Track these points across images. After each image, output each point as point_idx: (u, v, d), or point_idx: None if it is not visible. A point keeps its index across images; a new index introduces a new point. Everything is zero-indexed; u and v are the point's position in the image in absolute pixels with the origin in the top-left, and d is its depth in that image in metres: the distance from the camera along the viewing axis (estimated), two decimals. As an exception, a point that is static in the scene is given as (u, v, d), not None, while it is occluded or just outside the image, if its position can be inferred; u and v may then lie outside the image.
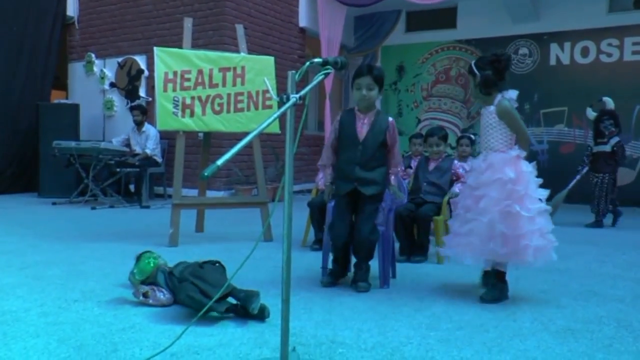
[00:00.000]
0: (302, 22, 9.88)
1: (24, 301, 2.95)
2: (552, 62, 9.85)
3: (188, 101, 4.88)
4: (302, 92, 1.94)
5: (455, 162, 4.66)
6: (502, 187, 3.03)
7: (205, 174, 1.58)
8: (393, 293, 3.28)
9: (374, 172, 3.28)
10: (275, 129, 5.30)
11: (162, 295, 2.91)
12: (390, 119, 3.35)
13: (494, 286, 3.18)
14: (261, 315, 2.65)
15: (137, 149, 8.05)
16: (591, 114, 6.92)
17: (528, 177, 3.07)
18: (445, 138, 4.65)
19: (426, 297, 3.21)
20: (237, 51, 5.36)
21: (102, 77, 9.60)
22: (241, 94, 5.12)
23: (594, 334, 2.58)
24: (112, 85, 9.57)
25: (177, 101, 4.85)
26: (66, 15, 9.83)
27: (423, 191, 4.49)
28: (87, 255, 4.20)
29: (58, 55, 9.79)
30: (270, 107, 5.22)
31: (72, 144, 7.51)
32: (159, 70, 4.83)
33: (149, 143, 7.97)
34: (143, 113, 8.07)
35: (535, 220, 3.03)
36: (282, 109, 1.88)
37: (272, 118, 1.83)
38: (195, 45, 6.01)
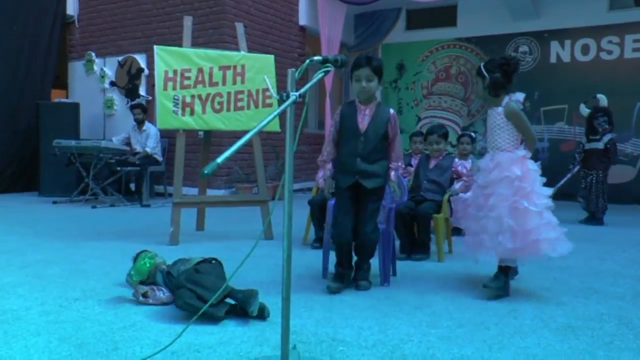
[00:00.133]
0: (302, 20, 9.87)
1: (24, 300, 2.95)
2: (553, 59, 9.84)
3: (188, 100, 4.88)
4: (302, 90, 1.94)
5: (456, 160, 4.66)
6: (510, 185, 3.16)
7: (205, 171, 1.58)
8: (393, 291, 3.28)
9: (376, 164, 3.23)
10: (275, 127, 5.30)
11: (162, 294, 2.91)
12: (392, 110, 3.29)
13: (497, 276, 3.24)
14: (261, 315, 2.65)
15: (138, 148, 8.05)
16: (584, 110, 6.89)
17: (534, 175, 3.20)
18: (446, 136, 4.64)
19: (427, 294, 3.21)
20: (237, 49, 5.36)
21: (102, 76, 9.60)
22: (241, 92, 5.12)
23: (595, 332, 2.59)
24: (112, 84, 9.56)
25: (177, 100, 4.85)
26: (66, 14, 9.82)
27: (423, 189, 4.48)
28: (87, 254, 4.20)
29: (58, 54, 9.79)
30: (270, 105, 5.22)
31: (73, 143, 7.51)
32: (159, 69, 4.83)
33: (149, 142, 7.97)
34: (144, 112, 8.07)
35: (543, 214, 3.15)
36: (282, 107, 1.88)
37: (271, 116, 1.83)
38: (195, 44, 6.01)
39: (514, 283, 3.50)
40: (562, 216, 3.42)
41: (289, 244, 1.97)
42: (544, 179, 3.25)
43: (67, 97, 10.08)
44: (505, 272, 3.26)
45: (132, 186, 8.32)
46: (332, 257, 3.45)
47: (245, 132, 1.77)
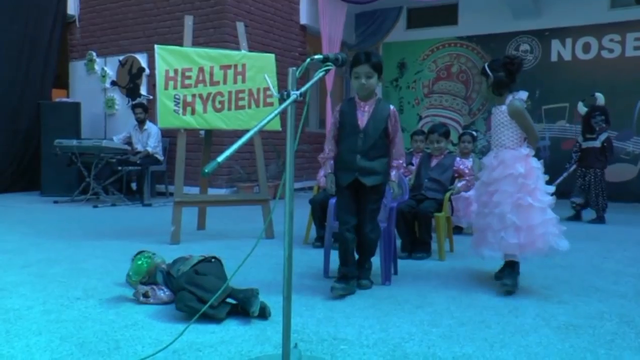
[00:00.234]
0: (303, 19, 9.87)
1: (26, 299, 2.95)
2: (554, 58, 9.83)
3: (189, 99, 4.88)
4: (303, 89, 1.94)
5: (457, 159, 4.65)
6: (514, 182, 3.23)
7: (206, 170, 1.58)
8: (395, 290, 3.28)
9: (375, 161, 3.18)
10: (276, 126, 5.30)
11: (163, 293, 2.91)
12: (392, 107, 3.25)
13: (510, 273, 3.29)
14: (262, 314, 2.65)
15: (139, 147, 8.05)
16: (582, 109, 6.89)
17: (537, 172, 3.28)
18: (447, 135, 4.64)
19: (428, 293, 3.21)
20: (238, 49, 5.36)
21: (103, 76, 9.60)
22: (242, 91, 5.12)
23: (596, 330, 2.58)
24: (113, 83, 9.56)
25: (178, 99, 4.85)
26: (67, 13, 9.82)
27: (424, 187, 4.48)
28: (89, 253, 4.21)
29: (59, 54, 9.79)
30: (271, 104, 5.21)
31: (74, 142, 7.51)
32: (160, 68, 4.83)
33: (150, 141, 7.98)
34: (145, 111, 8.07)
35: (546, 210, 3.23)
36: (282, 106, 1.88)
37: (272, 115, 1.83)
38: (196, 43, 6.01)
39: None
40: (563, 215, 3.43)
41: (290, 242, 1.97)
42: (547, 177, 3.32)
43: (68, 96, 10.08)
44: (515, 266, 3.33)
45: (134, 185, 8.32)
46: (334, 256, 3.43)
47: (246, 131, 1.77)
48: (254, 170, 7.41)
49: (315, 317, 2.71)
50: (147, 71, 9.10)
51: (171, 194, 7.97)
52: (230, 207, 6.40)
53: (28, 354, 2.20)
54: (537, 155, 3.44)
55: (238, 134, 6.12)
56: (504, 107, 3.35)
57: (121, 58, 9.42)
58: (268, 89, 5.15)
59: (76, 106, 9.03)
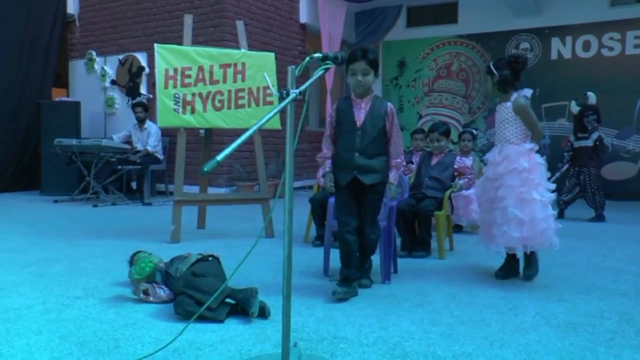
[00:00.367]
0: (303, 18, 9.86)
1: (26, 298, 2.96)
2: (554, 56, 9.82)
3: (189, 98, 4.88)
4: (302, 87, 1.94)
5: (458, 158, 4.65)
6: (518, 176, 3.34)
7: (205, 169, 1.58)
8: (394, 288, 3.28)
9: (374, 159, 3.11)
10: (276, 125, 5.30)
11: (163, 292, 2.91)
12: (389, 104, 3.19)
13: (528, 264, 3.45)
14: (262, 314, 2.65)
15: (139, 146, 8.05)
16: (575, 108, 6.90)
17: (541, 168, 3.39)
18: (448, 133, 4.63)
19: (428, 292, 3.21)
20: (238, 48, 5.35)
21: (103, 75, 9.60)
22: (242, 90, 5.12)
23: (596, 328, 2.58)
24: (113, 82, 9.56)
25: (178, 98, 4.84)
26: (66, 13, 9.81)
27: (425, 186, 4.48)
28: (89, 252, 4.21)
29: (59, 53, 9.78)
30: (271, 103, 5.21)
31: (74, 141, 7.51)
32: (160, 67, 4.83)
33: (150, 140, 7.97)
34: (145, 110, 8.07)
35: (548, 206, 3.35)
36: (281, 105, 1.88)
37: (271, 114, 1.83)
38: (195, 42, 6.00)
39: (514, 281, 3.51)
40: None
41: (290, 241, 1.97)
42: (549, 173, 3.46)
43: (68, 96, 10.08)
44: (532, 261, 3.47)
45: (134, 185, 8.33)
46: (333, 254, 3.43)
47: (246, 129, 1.77)
48: (253, 169, 7.41)
49: (315, 316, 2.71)
50: (147, 70, 9.10)
51: (171, 193, 7.97)
52: (230, 206, 6.40)
53: (28, 353, 2.20)
54: (540, 152, 3.53)
55: (238, 132, 6.12)
56: (508, 104, 3.46)
57: (121, 57, 9.42)
58: (268, 87, 5.14)
59: (76, 105, 9.03)
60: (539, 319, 2.71)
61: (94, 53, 9.72)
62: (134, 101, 8.83)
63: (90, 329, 2.48)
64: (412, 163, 4.97)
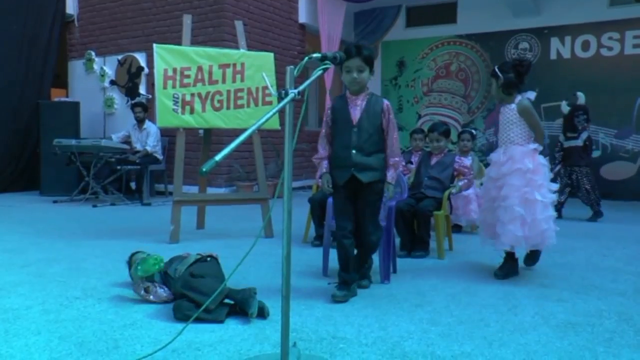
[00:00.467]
0: (302, 18, 9.86)
1: (25, 299, 2.95)
2: (553, 56, 9.82)
3: (188, 98, 4.88)
4: (301, 87, 1.94)
5: (457, 158, 4.65)
6: (522, 176, 3.41)
7: (204, 169, 1.58)
8: (394, 288, 3.28)
9: (371, 157, 3.06)
10: (275, 124, 5.30)
11: (163, 291, 2.91)
12: (385, 101, 3.14)
13: (531, 256, 3.62)
14: (261, 314, 2.65)
15: (138, 146, 8.05)
16: (565, 108, 6.92)
17: (544, 169, 3.47)
18: (447, 133, 4.63)
19: (427, 292, 3.21)
20: (237, 48, 5.35)
21: (102, 75, 9.60)
22: (241, 90, 5.12)
23: (595, 328, 2.58)
24: (112, 82, 9.56)
25: (177, 98, 4.84)
26: (66, 13, 9.80)
27: (424, 186, 4.48)
28: (88, 252, 4.21)
29: (58, 53, 9.77)
30: (270, 103, 5.21)
31: (73, 142, 7.51)
32: (159, 67, 4.83)
33: (149, 140, 7.97)
34: (145, 110, 8.07)
35: (549, 207, 3.44)
36: (280, 105, 1.88)
37: (269, 114, 1.83)
38: (194, 42, 6.00)
39: (514, 280, 3.51)
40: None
41: (289, 241, 1.97)
42: (551, 175, 3.57)
43: (67, 96, 10.08)
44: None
45: (133, 185, 8.32)
46: (332, 254, 3.41)
47: (245, 130, 1.77)
48: (253, 169, 7.41)
49: (314, 316, 2.71)
50: (146, 70, 9.10)
51: (170, 193, 7.97)
52: (230, 206, 6.40)
53: (27, 353, 2.20)
54: (542, 153, 3.59)
55: (237, 132, 6.12)
56: (513, 106, 3.54)
57: (120, 57, 9.41)
58: (267, 87, 5.14)
59: (75, 105, 9.02)
60: (538, 319, 2.72)
61: (93, 53, 9.72)
62: (133, 101, 8.83)
63: (89, 329, 2.48)
64: (411, 163, 4.98)
